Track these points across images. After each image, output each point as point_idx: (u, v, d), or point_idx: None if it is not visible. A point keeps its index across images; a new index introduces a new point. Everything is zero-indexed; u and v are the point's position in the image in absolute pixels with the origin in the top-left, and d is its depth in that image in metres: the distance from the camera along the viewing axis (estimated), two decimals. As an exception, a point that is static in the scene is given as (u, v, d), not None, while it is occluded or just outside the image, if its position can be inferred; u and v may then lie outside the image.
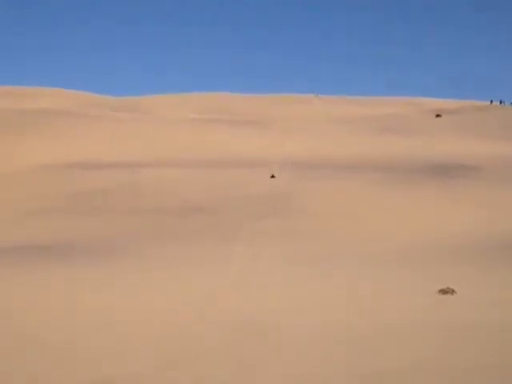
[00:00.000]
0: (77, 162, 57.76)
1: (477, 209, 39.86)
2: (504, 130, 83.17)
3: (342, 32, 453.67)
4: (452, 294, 19.24)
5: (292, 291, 20.23)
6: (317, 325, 15.49)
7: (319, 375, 10.74)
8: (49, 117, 77.47)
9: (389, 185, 46.36)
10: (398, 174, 50.62)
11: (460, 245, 30.94)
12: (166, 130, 76.66)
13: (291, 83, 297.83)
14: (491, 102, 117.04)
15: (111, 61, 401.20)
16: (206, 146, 67.36)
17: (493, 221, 36.89)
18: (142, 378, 11.28)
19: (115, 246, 30.97)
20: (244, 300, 18.79)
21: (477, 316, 16.16)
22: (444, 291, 19.41)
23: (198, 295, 19.55)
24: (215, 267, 25.04)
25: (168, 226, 36.83)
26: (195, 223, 37.44)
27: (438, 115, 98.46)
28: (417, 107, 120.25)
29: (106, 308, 17.85)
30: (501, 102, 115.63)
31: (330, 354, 12.42)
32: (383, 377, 10.36)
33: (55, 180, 50.77)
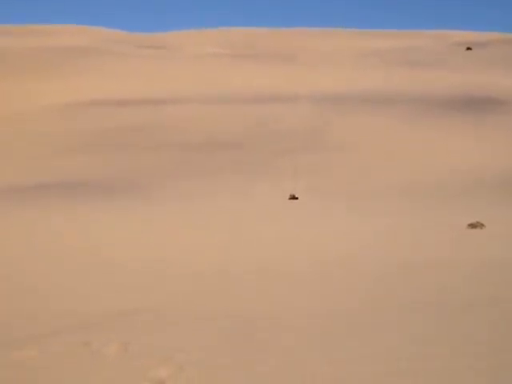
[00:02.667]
0: (102, 100, 57.60)
1: (506, 143, 39.29)
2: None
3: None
4: (481, 228, 19.01)
5: (317, 225, 20.08)
6: (342, 259, 15.34)
7: (344, 309, 10.64)
8: (74, 54, 77.13)
9: (418, 118, 45.75)
10: (427, 107, 49.94)
11: (490, 180, 30.55)
12: (191, 66, 76.07)
13: (317, 17, 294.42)
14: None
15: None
16: (232, 82, 66.80)
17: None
18: (165, 307, 11.25)
19: (140, 183, 30.94)
20: (266, 236, 18.68)
21: (504, 252, 15.93)
22: (473, 225, 19.17)
23: (221, 230, 19.46)
24: (239, 203, 24.92)
25: (194, 163, 36.70)
26: (221, 159, 37.26)
27: (468, 48, 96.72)
28: (446, 40, 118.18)
29: (124, 244, 17.84)
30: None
31: (355, 289, 12.28)
32: (408, 310, 10.25)
33: (80, 118, 50.72)
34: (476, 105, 51.10)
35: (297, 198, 17.01)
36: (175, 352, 7.34)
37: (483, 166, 33.88)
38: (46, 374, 6.42)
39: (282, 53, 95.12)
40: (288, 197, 17.29)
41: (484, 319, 9.22)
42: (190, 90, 62.52)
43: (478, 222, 19.29)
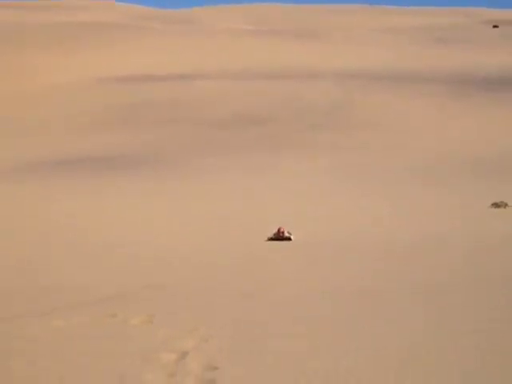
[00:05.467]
0: (129, 75, 57.71)
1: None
2: None
3: None
4: (505, 207, 18.98)
5: (336, 204, 20.13)
6: (355, 237, 15.41)
7: (372, 288, 10.73)
8: (101, 30, 77.23)
9: (445, 97, 45.45)
10: (454, 86, 49.57)
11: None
12: (218, 41, 75.91)
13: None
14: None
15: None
16: (258, 58, 66.62)
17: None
18: (190, 282, 11.41)
19: (165, 158, 31.11)
20: (284, 212, 18.76)
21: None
22: (497, 205, 19.15)
23: (241, 203, 19.59)
24: (261, 178, 25.01)
25: (219, 139, 36.79)
26: (246, 135, 37.32)
27: (495, 26, 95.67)
28: (473, 18, 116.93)
29: (149, 220, 18.02)
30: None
31: (380, 269, 12.37)
32: (433, 288, 10.31)
33: (108, 93, 50.88)
34: (503, 84, 50.65)
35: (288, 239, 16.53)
36: (199, 324, 7.49)
37: (509, 147, 33.66)
38: (72, 344, 6.59)
39: (307, 29, 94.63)
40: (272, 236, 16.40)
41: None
42: (216, 66, 62.45)
43: (501, 202, 19.26)
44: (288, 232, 16.10)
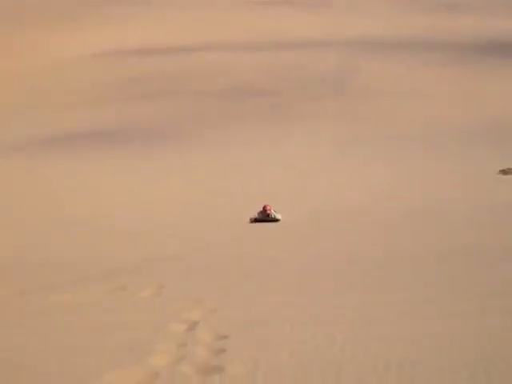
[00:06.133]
0: (129, 50, 57.52)
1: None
2: None
3: None
4: (512, 174, 19.07)
5: (346, 173, 20.14)
6: (362, 206, 15.46)
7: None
8: (100, 3, 76.84)
9: (447, 63, 45.21)
10: (455, 52, 49.31)
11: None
12: (225, 13, 75.47)
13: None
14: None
15: None
16: (259, 29, 66.30)
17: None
18: (198, 255, 11.52)
19: (171, 130, 31.12)
20: (292, 182, 18.79)
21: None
22: (504, 172, 19.22)
23: (247, 175, 19.63)
24: (267, 149, 25.01)
25: (219, 110, 36.73)
26: (247, 106, 37.29)
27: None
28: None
29: (160, 192, 18.10)
30: None
31: (393, 237, 12.45)
32: (447, 252, 10.44)
33: (107, 68, 50.80)
34: (503, 48, 50.31)
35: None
36: (206, 296, 7.58)
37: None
38: (83, 316, 6.68)
39: (313, 0, 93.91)
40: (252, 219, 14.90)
41: None
42: (222, 38, 62.16)
43: (509, 169, 19.32)
44: (275, 211, 15.16)
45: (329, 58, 48.44)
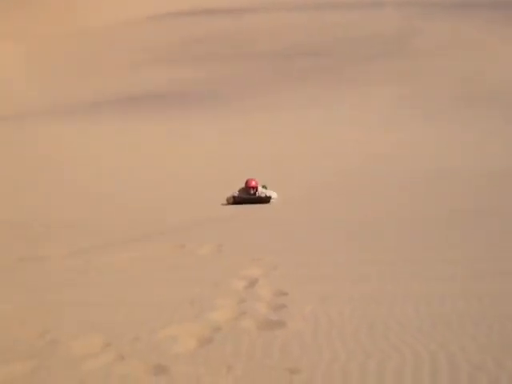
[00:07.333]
0: (183, 11, 57.47)
1: None
2: None
3: None
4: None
5: (396, 135, 20.01)
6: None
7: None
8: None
9: (506, 23, 44.24)
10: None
11: None
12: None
13: None
14: None
15: None
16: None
17: None
18: (254, 214, 11.57)
19: (220, 94, 31.12)
20: (338, 141, 18.72)
21: None
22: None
23: (296, 137, 19.60)
24: (323, 109, 24.90)
25: (277, 71, 36.59)
26: (305, 66, 37.02)
27: None
28: None
29: (213, 155, 18.18)
30: None
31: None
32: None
33: (161, 30, 50.87)
34: None
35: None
36: (267, 254, 7.61)
37: None
38: (145, 272, 6.78)
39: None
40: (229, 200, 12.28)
41: None
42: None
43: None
44: (264, 187, 12.57)
45: (388, 17, 47.75)
